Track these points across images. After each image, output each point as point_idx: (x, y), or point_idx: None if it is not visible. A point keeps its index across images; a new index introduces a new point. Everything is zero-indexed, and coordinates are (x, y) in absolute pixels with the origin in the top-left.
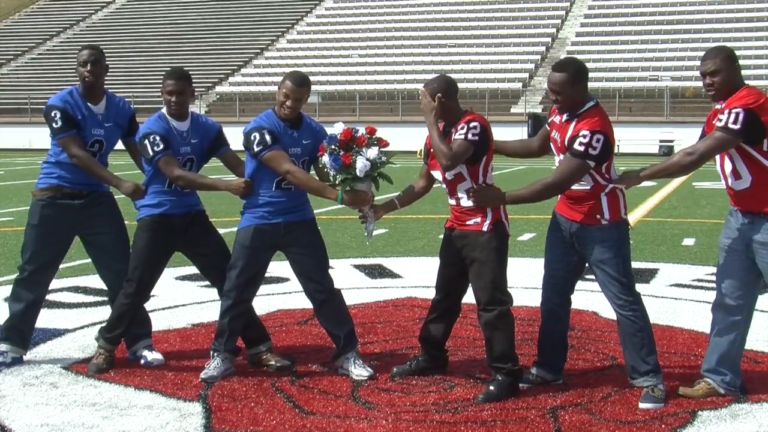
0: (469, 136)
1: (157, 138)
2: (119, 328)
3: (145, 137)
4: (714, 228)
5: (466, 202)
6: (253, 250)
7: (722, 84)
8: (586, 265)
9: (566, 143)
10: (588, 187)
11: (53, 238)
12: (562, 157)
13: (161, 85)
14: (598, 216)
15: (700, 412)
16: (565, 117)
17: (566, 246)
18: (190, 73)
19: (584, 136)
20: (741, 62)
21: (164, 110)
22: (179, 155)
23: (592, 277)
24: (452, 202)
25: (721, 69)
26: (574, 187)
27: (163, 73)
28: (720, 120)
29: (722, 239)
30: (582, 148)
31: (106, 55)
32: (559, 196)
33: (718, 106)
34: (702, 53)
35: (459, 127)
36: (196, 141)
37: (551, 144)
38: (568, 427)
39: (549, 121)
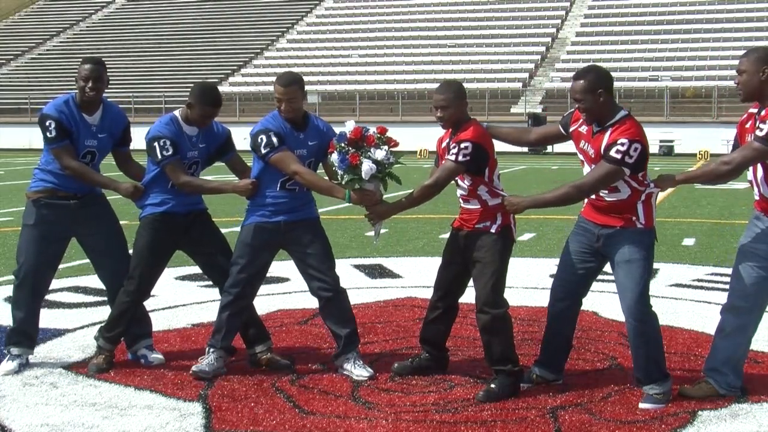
0: (460, 158)
1: (168, 143)
2: (119, 326)
3: (155, 140)
4: (714, 228)
5: (481, 205)
6: (254, 247)
7: (745, 84)
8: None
9: (602, 151)
10: (625, 197)
11: (50, 237)
12: (593, 167)
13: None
14: (634, 218)
15: (700, 412)
16: (595, 128)
17: (589, 250)
18: (190, 73)
19: (622, 144)
20: None
21: (177, 113)
22: (186, 159)
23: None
24: (467, 206)
25: (747, 70)
26: (610, 198)
27: (163, 73)
28: (761, 130)
29: (743, 241)
30: (619, 156)
31: (106, 55)
32: (586, 201)
33: (753, 110)
34: (702, 53)
35: (452, 146)
36: (204, 146)
37: (579, 154)
38: (568, 427)
39: (572, 129)
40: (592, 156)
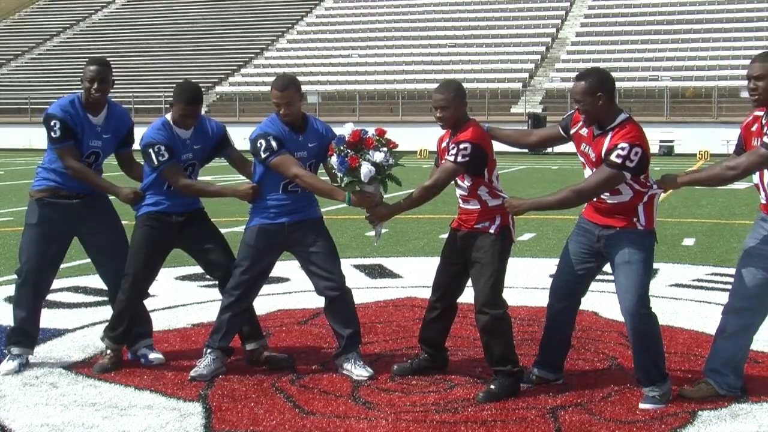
0: (459, 158)
1: (162, 148)
2: (120, 325)
3: (149, 146)
4: (714, 228)
5: (476, 205)
6: (258, 249)
7: (765, 90)
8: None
9: (602, 156)
10: (627, 199)
11: (53, 236)
12: (594, 171)
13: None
14: (634, 219)
15: (700, 412)
16: (596, 131)
17: (589, 251)
18: (190, 73)
19: (623, 149)
20: (740, 63)
21: (168, 116)
22: (181, 162)
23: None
24: (466, 206)
25: (765, 75)
26: (612, 200)
27: (163, 73)
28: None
29: (749, 242)
30: (620, 161)
31: (106, 55)
32: (587, 203)
33: (758, 113)
34: (702, 53)
35: (450, 147)
36: (198, 147)
37: (580, 157)
38: (568, 427)
39: (572, 131)
40: (593, 159)
